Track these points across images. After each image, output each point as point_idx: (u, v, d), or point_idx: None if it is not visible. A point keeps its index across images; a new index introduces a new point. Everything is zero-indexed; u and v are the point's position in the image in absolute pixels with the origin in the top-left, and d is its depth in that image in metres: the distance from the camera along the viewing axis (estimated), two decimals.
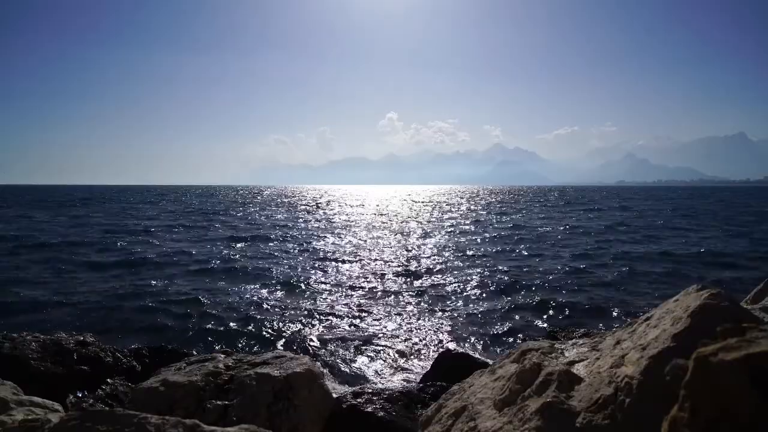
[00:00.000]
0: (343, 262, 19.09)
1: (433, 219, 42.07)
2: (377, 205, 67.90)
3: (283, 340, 10.01)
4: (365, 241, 25.99)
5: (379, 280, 15.57)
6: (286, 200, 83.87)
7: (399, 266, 17.96)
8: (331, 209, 57.02)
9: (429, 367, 6.61)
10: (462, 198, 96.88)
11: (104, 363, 5.57)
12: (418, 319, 11.33)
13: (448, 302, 12.75)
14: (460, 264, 18.59)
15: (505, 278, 15.76)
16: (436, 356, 7.03)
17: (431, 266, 17.98)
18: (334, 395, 4.74)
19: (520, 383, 2.59)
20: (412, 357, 9.00)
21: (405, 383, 7.43)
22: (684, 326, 2.15)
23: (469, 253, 21.25)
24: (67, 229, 30.06)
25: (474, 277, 16.11)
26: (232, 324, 10.95)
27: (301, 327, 10.71)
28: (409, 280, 15.63)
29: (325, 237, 27.84)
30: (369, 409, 4.28)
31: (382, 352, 9.22)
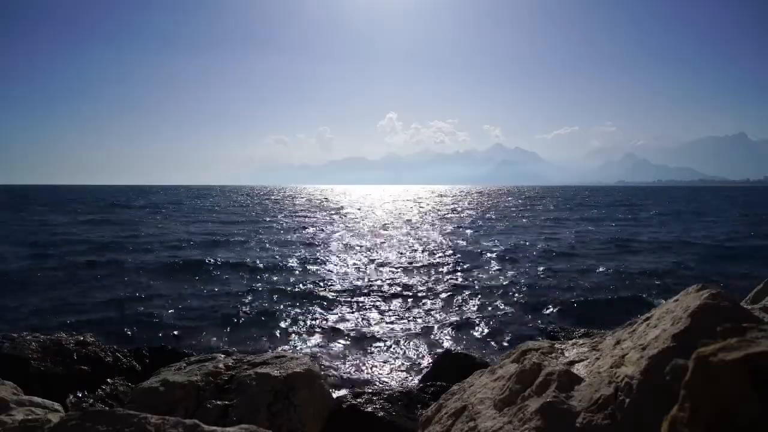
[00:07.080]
0: (345, 263, 19.11)
1: (434, 220, 42.06)
2: (377, 208, 67.80)
3: (283, 340, 10.01)
4: (366, 242, 25.99)
5: (379, 281, 15.56)
6: (290, 201, 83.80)
7: (399, 267, 17.96)
8: (343, 211, 56.93)
9: (429, 367, 6.61)
10: (465, 200, 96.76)
11: (104, 363, 5.57)
12: (419, 319, 11.33)
13: (448, 303, 12.75)
14: (461, 265, 18.58)
15: (506, 278, 15.75)
16: (436, 356, 7.03)
17: (431, 268, 17.97)
18: (334, 395, 4.74)
19: (520, 383, 2.59)
20: (412, 357, 9.00)
21: (405, 383, 7.44)
22: (684, 326, 2.15)
23: (470, 254, 21.23)
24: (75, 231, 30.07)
25: (474, 277, 16.10)
26: (232, 324, 10.94)
27: (302, 327, 10.71)
28: (409, 281, 15.62)
29: (326, 238, 27.84)
30: (369, 409, 4.28)
31: (382, 352, 9.22)
